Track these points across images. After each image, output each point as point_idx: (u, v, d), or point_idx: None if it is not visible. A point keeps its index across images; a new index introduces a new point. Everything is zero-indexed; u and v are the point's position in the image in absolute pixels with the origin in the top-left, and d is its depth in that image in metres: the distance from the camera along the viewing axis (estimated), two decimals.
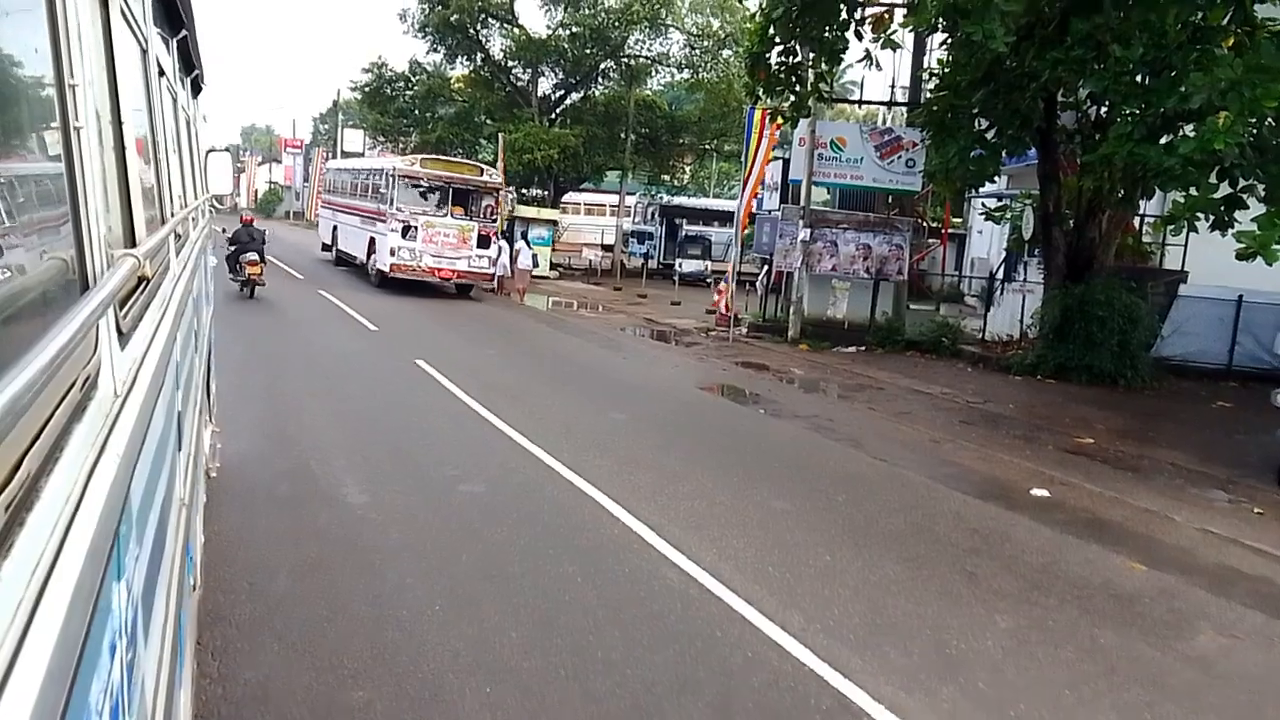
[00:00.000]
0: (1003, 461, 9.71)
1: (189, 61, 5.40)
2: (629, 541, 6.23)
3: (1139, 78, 12.32)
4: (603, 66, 41.61)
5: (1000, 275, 21.01)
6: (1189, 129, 11.55)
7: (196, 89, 6.45)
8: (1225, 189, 11.71)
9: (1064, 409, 12.84)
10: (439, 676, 4.27)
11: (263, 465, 7.20)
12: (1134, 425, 11.97)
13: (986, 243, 26.19)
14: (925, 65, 19.61)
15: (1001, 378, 15.14)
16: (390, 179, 21.10)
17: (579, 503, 6.98)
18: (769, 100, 17.63)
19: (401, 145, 45.84)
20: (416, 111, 43.59)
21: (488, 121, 41.85)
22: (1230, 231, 11.30)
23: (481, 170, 22.70)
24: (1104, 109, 14.72)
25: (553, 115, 41.89)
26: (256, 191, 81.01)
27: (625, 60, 40.75)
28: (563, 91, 43.33)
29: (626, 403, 11.27)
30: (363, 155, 61.34)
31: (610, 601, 5.28)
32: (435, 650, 4.51)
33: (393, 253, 20.43)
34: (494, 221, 22.26)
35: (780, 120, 18.14)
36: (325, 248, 28.74)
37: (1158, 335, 15.86)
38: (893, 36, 14.99)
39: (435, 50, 41.74)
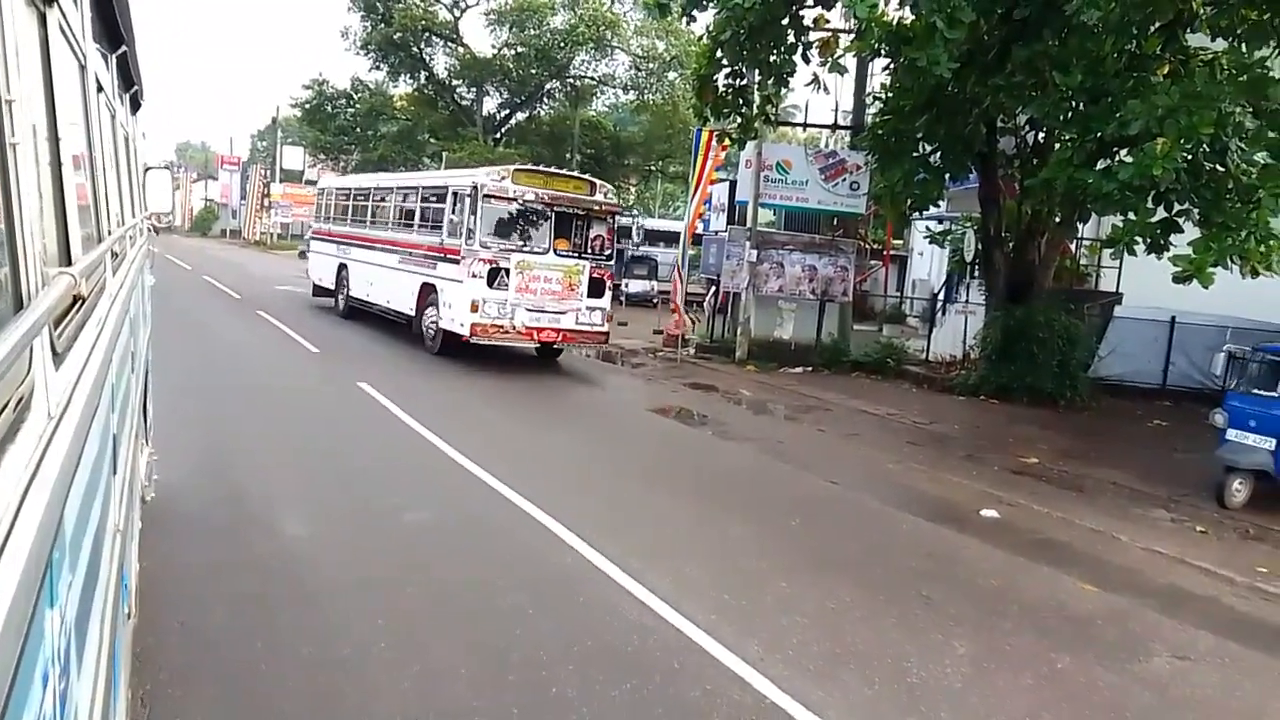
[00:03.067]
0: (951, 483, 9.75)
1: (128, 77, 5.18)
2: (583, 570, 6.06)
3: (1077, 104, 12.61)
4: (548, 87, 41.62)
5: (942, 297, 21.32)
6: (1126, 155, 11.83)
7: (135, 105, 6.22)
8: (1161, 213, 12.01)
9: (1008, 429, 13.00)
10: (389, 716, 4.06)
11: (199, 492, 6.88)
12: (1076, 445, 12.15)
13: (928, 264, 26.63)
14: (868, 89, 19.90)
15: (946, 398, 15.30)
16: (466, 201, 13.92)
17: (530, 530, 6.79)
18: (716, 122, 17.69)
19: (343, 164, 45.26)
20: (358, 129, 43.13)
21: (431, 140, 41.55)
22: (1166, 255, 11.58)
23: (593, 186, 15.02)
24: (1043, 134, 15.05)
25: (498, 135, 41.72)
26: (192, 209, 79.24)
27: (571, 81, 40.80)
28: (508, 111, 43.20)
29: (576, 425, 11.10)
30: (303, 171, 60.37)
31: (564, 634, 5.11)
32: (381, 692, 4.29)
33: (475, 307, 13.50)
34: (608, 260, 15.00)
35: (727, 142, 18.23)
36: (319, 291, 21.08)
37: (1095, 356, 16.20)
38: (839, 61, 15.16)
39: (378, 68, 41.38)
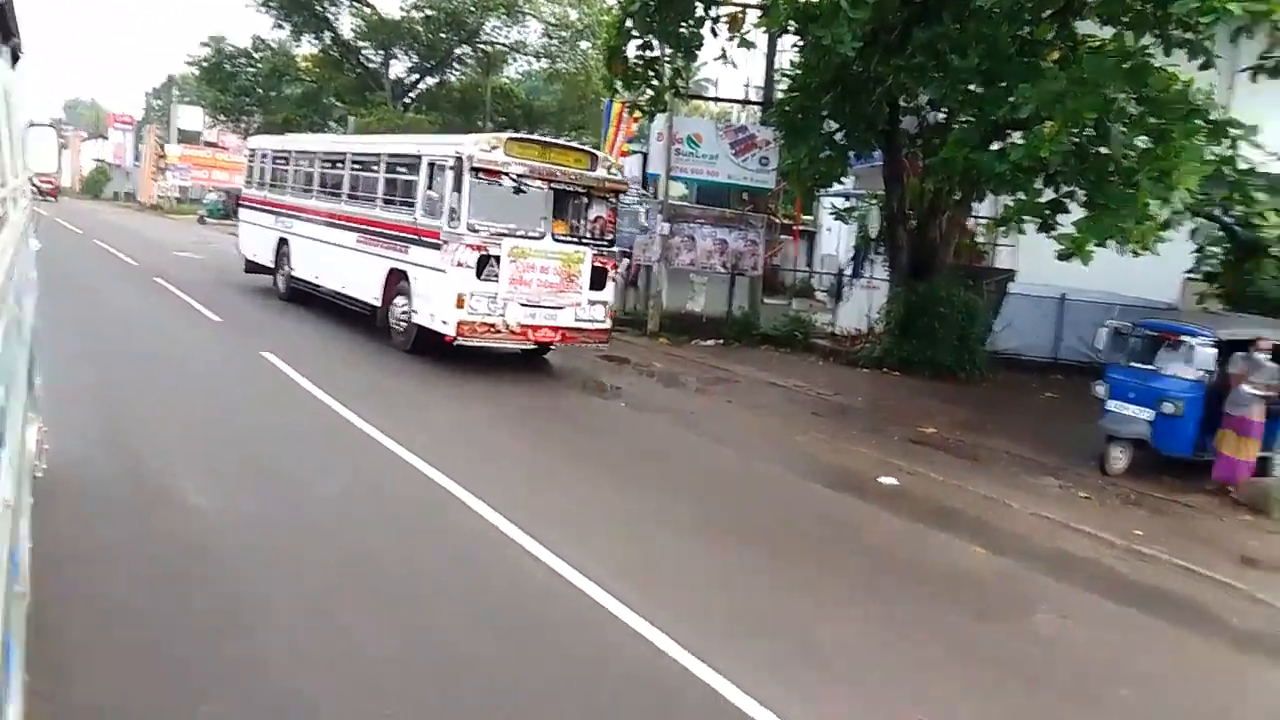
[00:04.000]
0: (854, 452, 10.09)
1: (6, 29, 4.90)
2: (496, 541, 6.09)
3: (974, 87, 13.02)
4: (458, 52, 40.83)
5: (849, 272, 21.83)
6: (1018, 137, 12.30)
7: (15, 58, 5.87)
8: (1049, 194, 12.54)
9: (909, 401, 13.47)
10: (296, 688, 4.05)
11: (94, 465, 6.65)
12: (972, 416, 12.67)
13: (836, 240, 27.19)
14: (777, 66, 20.13)
15: (851, 371, 15.74)
16: (449, 174, 11.65)
17: (443, 501, 6.78)
18: (627, 93, 17.69)
19: (244, 125, 43.66)
20: (260, 90, 41.61)
21: (337, 104, 40.37)
22: (1052, 233, 12.11)
23: (594, 159, 12.90)
24: (943, 115, 15.50)
25: (407, 100, 40.78)
26: (82, 171, 75.37)
27: (482, 47, 40.10)
28: (417, 76, 42.27)
29: (488, 397, 11.06)
30: (201, 133, 57.93)
31: (478, 604, 5.16)
32: (290, 661, 4.27)
33: (461, 302, 11.45)
34: (611, 246, 12.95)
35: (638, 114, 18.24)
36: (253, 267, 18.26)
37: (991, 330, 16.86)
38: (747, 36, 15.30)
39: (280, 26, 39.93)
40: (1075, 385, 14.39)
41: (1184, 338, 9.90)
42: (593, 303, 12.44)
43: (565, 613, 5.14)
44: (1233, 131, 11.79)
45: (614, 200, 13.05)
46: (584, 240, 12.42)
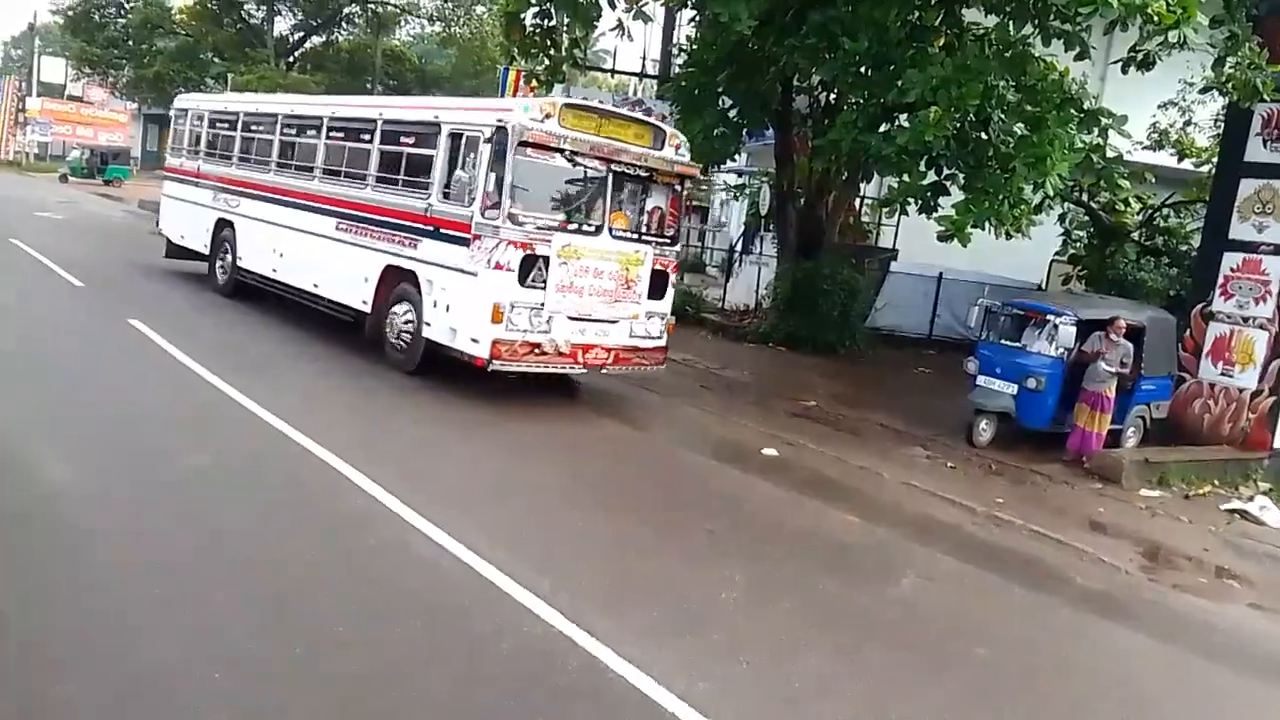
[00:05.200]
0: (738, 425, 10.31)
1: None
2: (374, 513, 6.01)
3: (864, 70, 13.34)
4: (347, 10, 39.46)
5: (739, 248, 22.17)
6: (904, 120, 12.68)
7: None
8: (932, 177, 12.99)
9: (792, 375, 13.83)
10: (158, 664, 3.92)
11: None
12: (851, 390, 13.10)
13: (728, 216, 27.55)
14: (675, 40, 20.16)
15: (739, 345, 16.02)
16: (486, 149, 9.15)
17: (318, 472, 6.64)
18: (524, 62, 17.42)
19: (112, 79, 41.27)
20: (131, 43, 39.35)
21: (216, 60, 38.57)
22: (934, 215, 12.57)
23: (660, 136, 10.29)
24: (834, 96, 15.83)
25: (291, 59, 39.23)
26: None
27: (372, 6, 38.85)
28: (302, 34, 40.66)
29: (367, 368, 10.81)
30: (65, 86, 54.41)
31: (354, 578, 5.09)
32: (154, 636, 4.14)
33: (498, 315, 9.03)
34: (673, 244, 10.62)
35: (535, 83, 18.01)
36: (178, 251, 15.25)
37: (873, 308, 17.42)
38: (644, 9, 15.25)
39: None
40: (949, 361, 15.00)
41: (1048, 317, 10.44)
42: (650, 315, 10.10)
43: (447, 586, 5.12)
44: (1104, 120, 12.43)
45: (679, 187, 10.64)
46: (644, 236, 10.08)
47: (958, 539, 7.40)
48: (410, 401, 9.25)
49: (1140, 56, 10.62)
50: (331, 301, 11.45)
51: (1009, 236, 12.18)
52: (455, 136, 9.57)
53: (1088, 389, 10.04)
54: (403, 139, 10.58)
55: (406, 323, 10.06)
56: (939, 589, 6.27)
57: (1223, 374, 11.73)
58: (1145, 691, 5.32)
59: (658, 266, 10.11)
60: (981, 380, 10.53)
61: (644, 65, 25.19)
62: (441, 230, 9.57)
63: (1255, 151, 11.52)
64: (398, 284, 10.22)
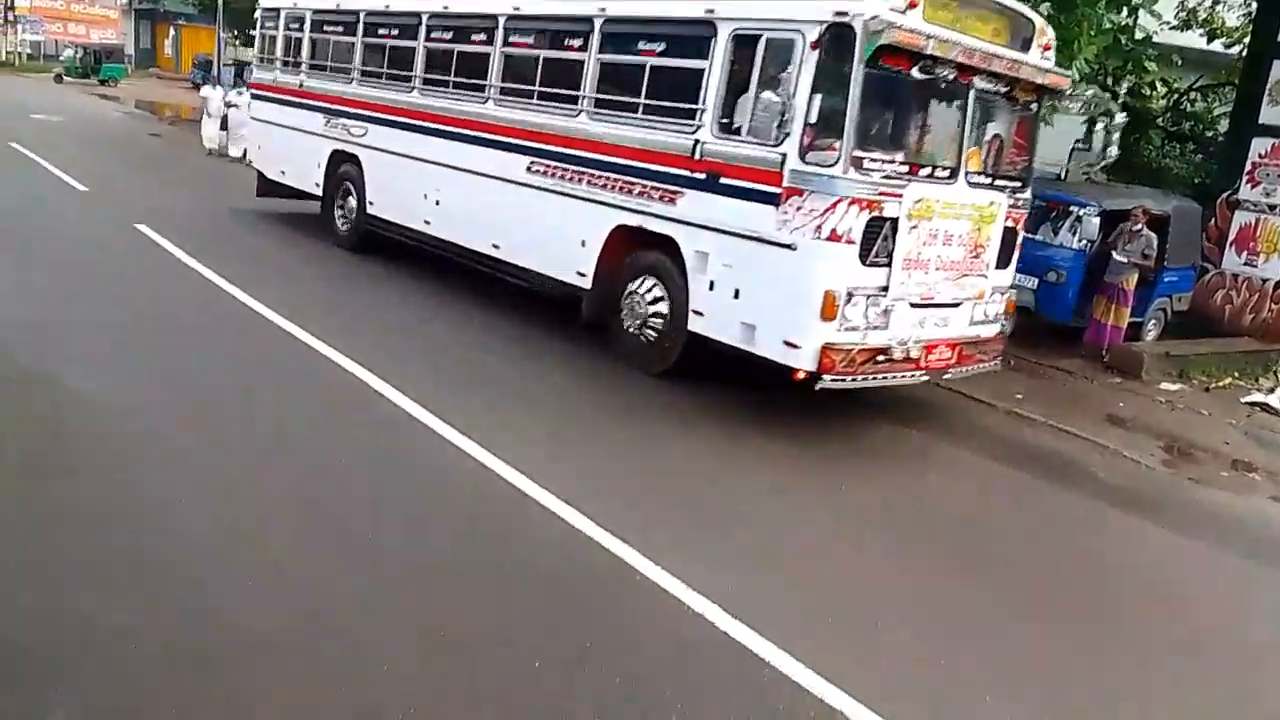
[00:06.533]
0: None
1: None
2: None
3: None
4: None
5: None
6: None
7: None
8: None
9: None
10: (192, 572, 3.94)
11: None
12: None
13: None
14: None
15: None
16: (809, 60, 6.20)
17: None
18: None
19: None
20: None
21: None
22: None
23: (1025, 32, 7.10)
24: None
25: None
26: None
27: None
28: None
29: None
30: None
31: (388, 485, 5.11)
32: (184, 548, 4.15)
33: (831, 309, 6.21)
34: (1025, 189, 7.55)
35: None
36: (272, 188, 12.31)
37: None
38: None
39: None
40: None
41: (1072, 208, 10.20)
42: (994, 291, 7.33)
43: (485, 495, 5.14)
44: (1134, 1, 11.88)
45: (1037, 106, 7.67)
46: (996, 181, 7.21)
47: (980, 435, 7.38)
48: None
49: None
50: (521, 269, 8.66)
51: None
52: (747, 40, 6.63)
53: (1108, 281, 9.87)
54: (643, 45, 7.48)
55: (653, 307, 7.38)
56: (960, 485, 6.29)
57: (1246, 264, 11.56)
58: (1167, 583, 5.36)
59: (1009, 222, 7.27)
60: None
61: None
62: (723, 180, 6.71)
63: None
64: (637, 252, 7.56)
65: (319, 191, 11.40)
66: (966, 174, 6.77)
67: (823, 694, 3.55)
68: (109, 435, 5.27)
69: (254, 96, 12.98)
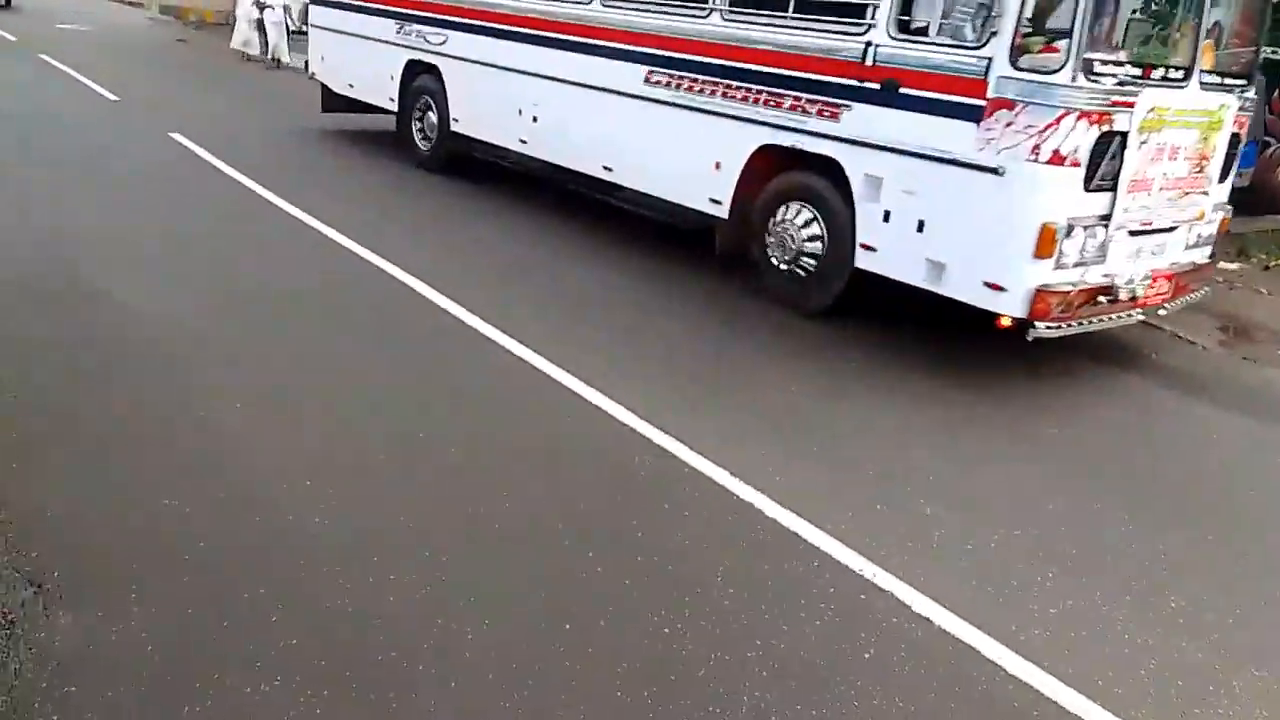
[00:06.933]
0: None
1: None
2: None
3: None
4: None
5: None
6: None
7: None
8: None
9: None
10: (253, 477, 4.04)
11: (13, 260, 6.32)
12: None
13: None
14: None
15: None
16: None
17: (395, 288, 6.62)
18: None
19: None
20: None
21: None
22: None
23: None
24: None
25: None
26: None
27: None
28: None
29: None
30: None
31: (444, 389, 5.17)
32: (247, 451, 4.26)
33: (1048, 243, 5.23)
34: (1249, 85, 6.27)
35: None
36: (337, 104, 11.49)
37: None
38: None
39: None
40: None
41: None
42: (1215, 209, 6.37)
43: (521, 382, 5.17)
44: None
45: None
46: (1226, 80, 6.09)
47: None
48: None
49: None
50: (640, 194, 7.79)
51: None
52: None
53: None
54: None
55: (809, 236, 6.46)
56: (1011, 370, 6.20)
57: None
58: (1225, 465, 5.30)
59: (1235, 128, 6.16)
60: None
61: None
62: (904, 91, 5.68)
63: None
64: (786, 174, 6.62)
65: (393, 107, 10.38)
66: (1200, 73, 5.70)
67: None
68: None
69: (314, 1, 11.77)
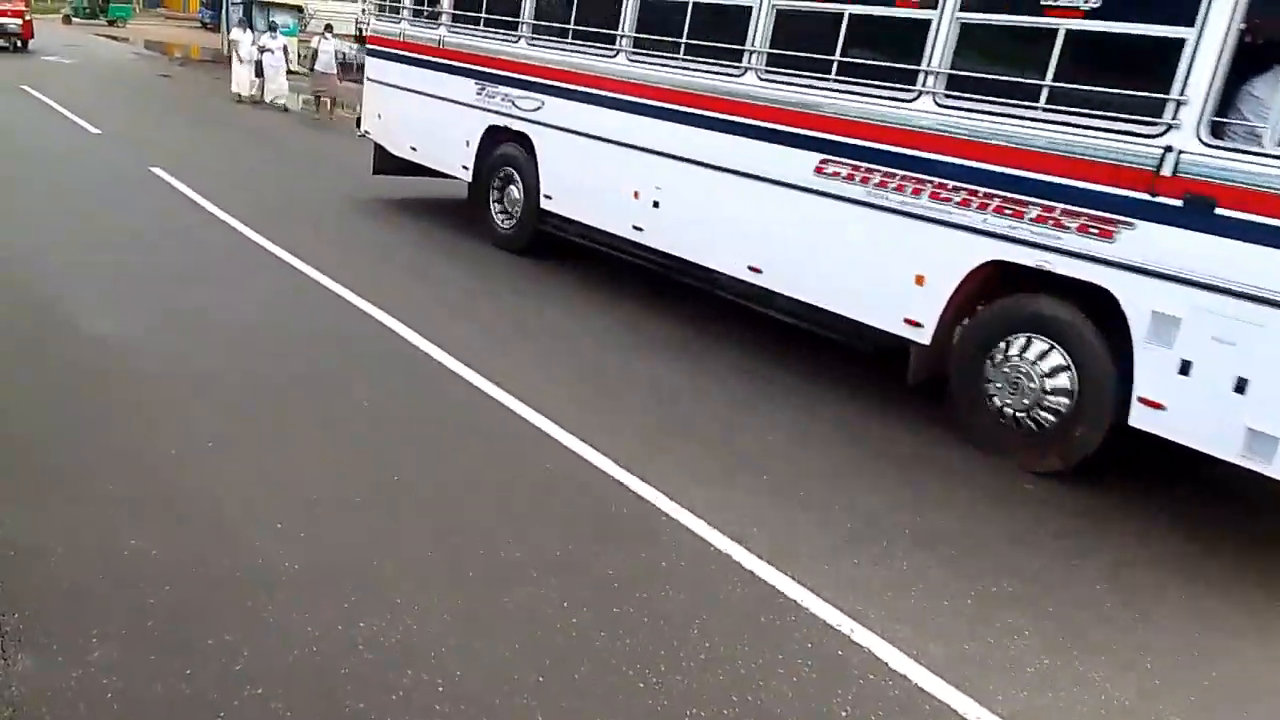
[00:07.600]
0: None
1: None
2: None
3: None
4: None
5: None
6: None
7: None
8: None
9: None
10: (223, 512, 3.99)
11: None
12: None
13: None
14: None
15: None
16: None
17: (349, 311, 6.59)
18: None
19: None
20: None
21: None
22: None
23: None
24: None
25: None
26: None
27: None
28: None
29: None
30: None
31: (413, 414, 5.13)
32: (219, 483, 4.21)
33: None
34: None
35: None
36: (395, 166, 10.18)
37: None
38: None
39: None
40: None
41: None
42: None
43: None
44: None
45: None
46: None
47: None
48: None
49: None
50: (802, 304, 6.32)
51: None
52: None
53: None
54: None
55: (1052, 377, 5.12)
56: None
57: None
58: None
59: None
60: None
61: None
62: (1219, 212, 4.39)
63: None
64: (1015, 298, 5.32)
65: (467, 176, 9.23)
66: None
67: None
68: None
69: (371, 54, 10.54)
